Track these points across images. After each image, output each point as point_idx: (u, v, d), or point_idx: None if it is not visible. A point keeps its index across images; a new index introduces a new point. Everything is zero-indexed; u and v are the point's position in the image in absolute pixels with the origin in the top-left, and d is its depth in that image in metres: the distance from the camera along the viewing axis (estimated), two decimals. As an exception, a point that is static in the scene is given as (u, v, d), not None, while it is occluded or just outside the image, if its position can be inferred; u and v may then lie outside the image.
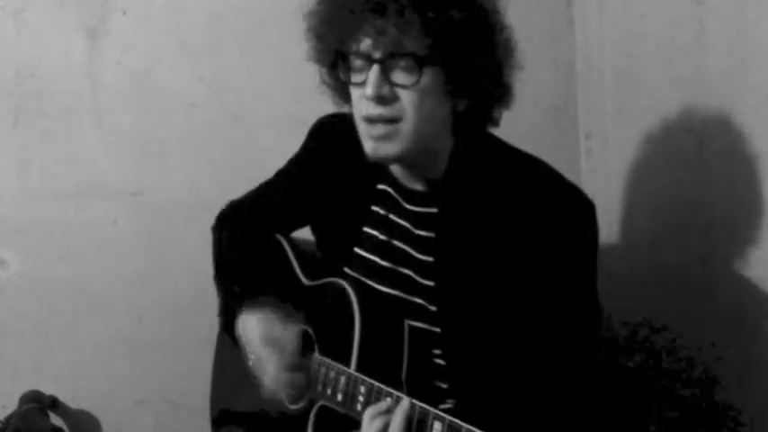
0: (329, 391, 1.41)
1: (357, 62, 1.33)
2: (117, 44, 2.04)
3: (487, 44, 1.32)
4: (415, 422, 1.21)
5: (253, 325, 1.54)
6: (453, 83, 1.32)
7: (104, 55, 2.04)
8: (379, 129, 1.32)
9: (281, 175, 1.68)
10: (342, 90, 1.41)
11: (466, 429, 1.14)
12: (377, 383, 1.31)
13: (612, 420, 1.33)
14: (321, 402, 1.44)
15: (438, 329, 1.40)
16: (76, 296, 2.07)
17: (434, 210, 1.42)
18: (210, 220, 1.75)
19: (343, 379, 1.38)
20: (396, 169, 1.46)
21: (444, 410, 1.19)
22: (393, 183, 1.47)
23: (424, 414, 1.20)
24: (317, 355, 1.49)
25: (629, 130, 1.90)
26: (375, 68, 1.30)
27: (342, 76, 1.37)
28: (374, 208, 1.49)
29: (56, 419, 2.05)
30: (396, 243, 1.47)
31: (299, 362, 1.49)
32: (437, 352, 1.41)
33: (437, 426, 1.18)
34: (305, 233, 1.68)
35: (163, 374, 2.11)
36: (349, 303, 1.41)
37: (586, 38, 2.10)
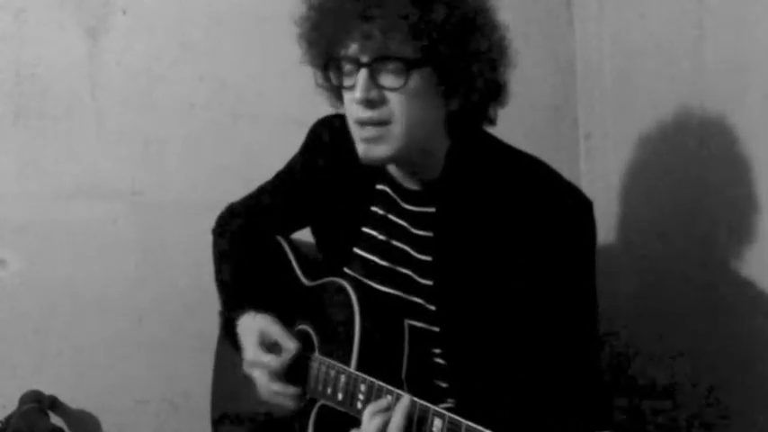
0: (329, 391, 1.41)
1: (347, 66, 1.35)
2: (117, 44, 2.04)
3: (478, 44, 1.33)
4: (415, 419, 1.22)
5: (250, 331, 1.53)
6: (445, 84, 1.33)
7: (104, 55, 2.04)
8: (370, 131, 1.34)
9: (280, 176, 1.68)
10: (337, 93, 1.43)
11: (466, 426, 1.14)
12: (377, 382, 1.31)
13: (611, 419, 1.32)
14: (322, 402, 1.44)
15: (437, 329, 1.40)
16: (76, 296, 2.07)
17: (432, 209, 1.42)
18: (210, 220, 1.75)
19: (343, 378, 1.39)
20: (393, 170, 1.46)
21: (444, 409, 1.19)
22: (391, 183, 1.48)
23: (425, 411, 1.21)
24: (317, 354, 1.49)
25: (628, 130, 1.90)
26: (363, 72, 1.31)
27: (333, 80, 1.38)
28: (373, 208, 1.50)
29: (56, 419, 2.05)
30: (395, 243, 1.47)
31: (290, 373, 1.49)
32: (437, 351, 1.41)
33: (437, 423, 1.19)
34: (305, 234, 1.69)
35: (163, 374, 2.10)
36: (349, 303, 1.41)
37: (586, 38, 2.10)
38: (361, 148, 1.36)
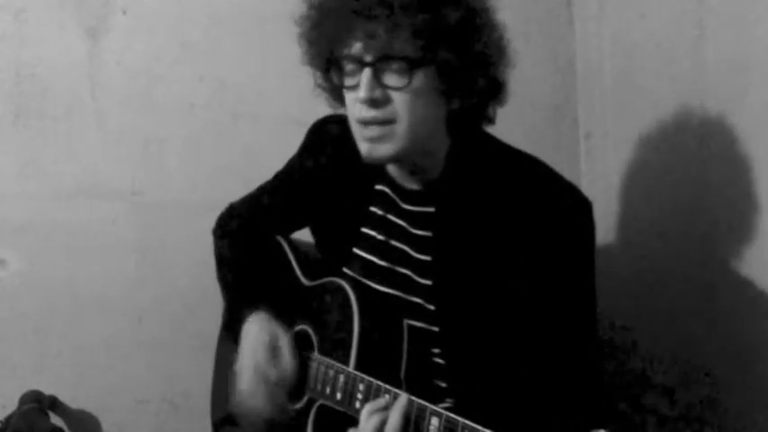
0: (328, 390, 1.41)
1: (349, 66, 1.34)
2: (117, 44, 2.04)
3: (479, 44, 1.33)
4: (413, 418, 1.22)
5: (250, 334, 1.53)
6: (446, 83, 1.33)
7: (104, 55, 2.04)
8: (373, 131, 1.33)
9: (279, 176, 1.68)
10: (336, 93, 1.43)
11: (462, 425, 1.14)
12: (375, 381, 1.31)
13: (609, 418, 1.32)
14: (321, 401, 1.44)
15: (436, 329, 1.40)
16: (76, 296, 2.07)
17: (431, 209, 1.42)
18: (210, 220, 1.75)
19: (341, 377, 1.39)
20: (393, 169, 1.46)
21: (443, 409, 1.19)
22: (390, 183, 1.47)
23: (422, 410, 1.21)
24: (316, 354, 1.49)
25: (628, 130, 1.90)
26: (367, 72, 1.31)
27: (335, 79, 1.38)
28: (372, 209, 1.50)
29: (56, 419, 2.05)
30: (394, 243, 1.47)
31: (282, 380, 1.48)
32: (436, 351, 1.41)
33: (434, 421, 1.19)
34: (305, 234, 1.69)
35: (163, 374, 2.10)
36: (348, 303, 1.41)
37: (586, 38, 2.10)
38: (364, 148, 1.36)
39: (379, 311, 1.42)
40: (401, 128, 1.33)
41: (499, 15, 1.38)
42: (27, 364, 2.06)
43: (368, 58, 1.31)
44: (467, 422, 1.14)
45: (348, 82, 1.35)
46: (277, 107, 2.07)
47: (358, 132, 1.36)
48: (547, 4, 2.14)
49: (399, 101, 1.31)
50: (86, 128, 2.05)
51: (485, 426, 1.12)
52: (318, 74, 1.42)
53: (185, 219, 2.06)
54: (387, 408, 1.25)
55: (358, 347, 1.38)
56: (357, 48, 1.31)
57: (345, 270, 1.52)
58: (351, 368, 1.37)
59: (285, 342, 1.49)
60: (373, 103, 1.32)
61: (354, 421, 1.32)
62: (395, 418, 1.22)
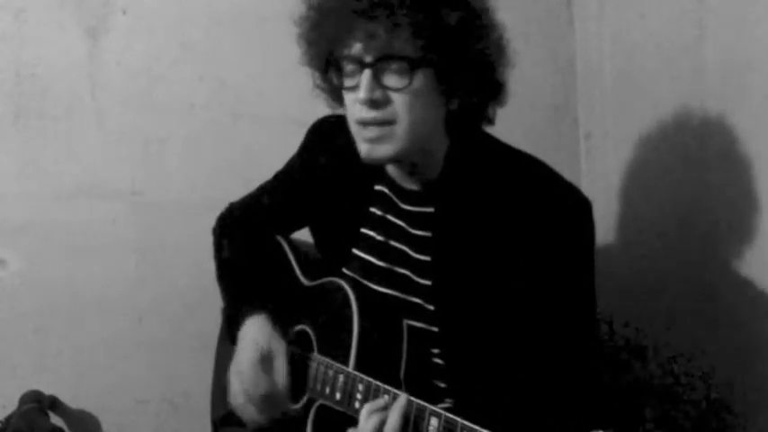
0: (328, 390, 1.41)
1: (349, 66, 1.34)
2: (117, 44, 2.04)
3: (479, 44, 1.33)
4: (412, 418, 1.22)
5: (248, 336, 1.51)
6: (445, 83, 1.33)
7: (104, 55, 2.04)
8: (373, 131, 1.33)
9: (279, 176, 1.68)
10: (335, 93, 1.42)
11: (461, 425, 1.14)
12: (375, 381, 1.31)
13: (610, 419, 1.32)
14: (320, 401, 1.44)
15: (436, 329, 1.40)
16: (76, 296, 2.07)
17: (431, 209, 1.42)
18: (210, 220, 1.75)
19: (341, 377, 1.38)
20: (392, 170, 1.46)
21: (443, 409, 1.19)
22: (390, 183, 1.47)
23: (422, 410, 1.21)
24: (315, 354, 1.49)
25: (628, 130, 1.90)
26: (367, 72, 1.30)
27: (334, 80, 1.38)
28: (371, 209, 1.50)
29: (56, 419, 2.05)
30: (393, 243, 1.47)
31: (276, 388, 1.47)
32: (435, 351, 1.41)
33: (434, 422, 1.19)
34: (305, 234, 1.69)
35: (163, 374, 2.10)
36: (348, 303, 1.41)
37: (586, 38, 2.10)
38: (364, 149, 1.36)
39: (378, 312, 1.42)
40: (401, 128, 1.33)
41: (499, 15, 1.38)
42: (27, 364, 2.06)
43: (368, 59, 1.31)
44: (466, 423, 1.14)
45: (347, 83, 1.35)
46: (277, 107, 2.07)
47: (357, 133, 1.36)
48: (547, 4, 2.14)
49: (399, 102, 1.31)
50: (86, 128, 2.05)
51: (484, 426, 1.12)
52: (317, 74, 1.42)
53: (185, 219, 2.06)
54: (386, 408, 1.24)
55: (357, 347, 1.38)
56: (357, 48, 1.31)
57: (345, 270, 1.52)
58: (350, 368, 1.37)
59: (280, 352, 1.47)
60: (373, 103, 1.31)
61: (354, 421, 1.32)
62: (394, 418, 1.22)
